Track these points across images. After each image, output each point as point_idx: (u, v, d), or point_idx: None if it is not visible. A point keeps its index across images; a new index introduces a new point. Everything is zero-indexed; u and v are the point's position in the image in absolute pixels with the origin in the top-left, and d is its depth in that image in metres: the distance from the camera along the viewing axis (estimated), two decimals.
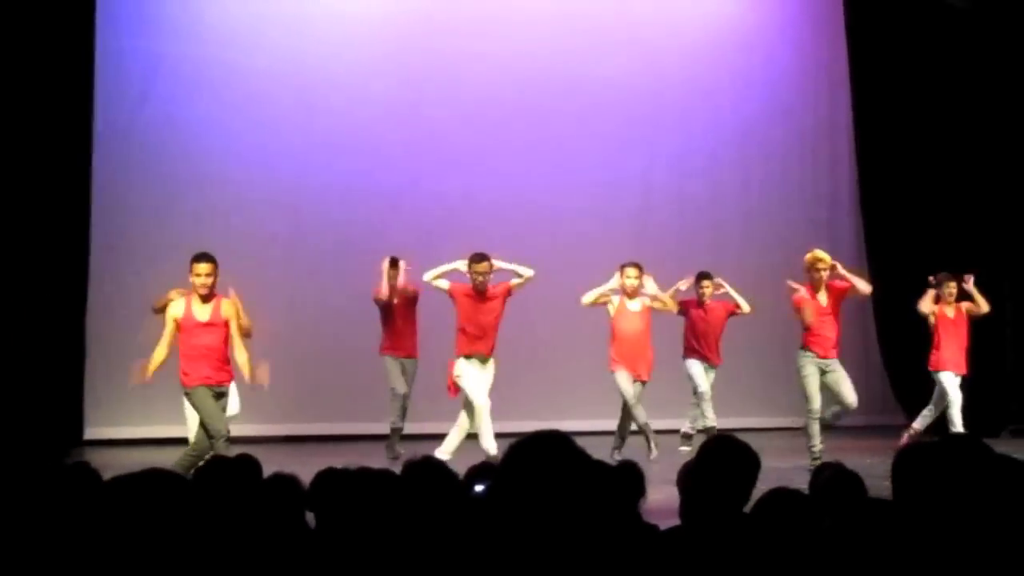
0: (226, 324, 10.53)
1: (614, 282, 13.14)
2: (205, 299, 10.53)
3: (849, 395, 12.36)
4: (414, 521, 4.06)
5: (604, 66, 16.18)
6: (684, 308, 13.82)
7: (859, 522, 3.04)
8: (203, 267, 10.56)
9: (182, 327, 10.50)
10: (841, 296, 12.61)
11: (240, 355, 10.50)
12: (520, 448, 3.25)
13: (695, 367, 13.65)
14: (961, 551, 3.28)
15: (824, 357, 12.42)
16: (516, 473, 3.18)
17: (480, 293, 12.29)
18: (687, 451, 12.78)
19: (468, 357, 12.15)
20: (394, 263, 13.18)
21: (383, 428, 13.50)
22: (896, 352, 16.38)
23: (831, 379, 12.43)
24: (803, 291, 12.55)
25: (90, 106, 14.40)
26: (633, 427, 13.15)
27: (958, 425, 12.72)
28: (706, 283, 13.77)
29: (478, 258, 12.24)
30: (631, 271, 13.10)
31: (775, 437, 13.84)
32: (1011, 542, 3.52)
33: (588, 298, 13.08)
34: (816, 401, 12.32)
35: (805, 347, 12.47)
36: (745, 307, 13.65)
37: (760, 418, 15.42)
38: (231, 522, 4.35)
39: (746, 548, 3.75)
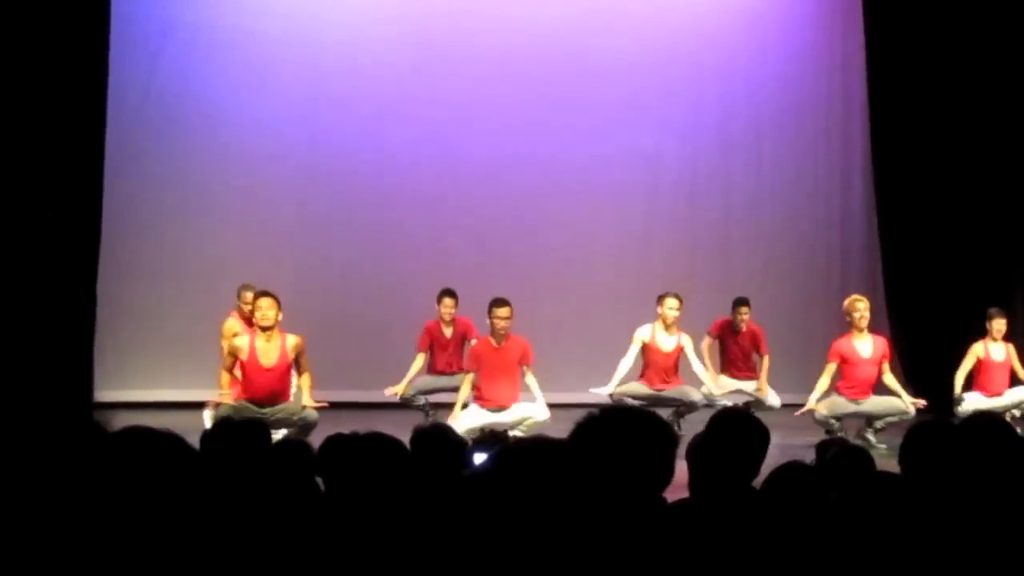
0: (291, 365, 10.56)
1: (631, 355, 12.74)
2: (267, 334, 10.46)
3: (897, 403, 12.21)
4: (421, 487, 4.07)
5: (615, 39, 16.02)
6: (719, 334, 13.79)
7: (866, 495, 3.03)
8: (265, 302, 10.56)
9: (246, 369, 10.45)
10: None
11: (304, 380, 10.67)
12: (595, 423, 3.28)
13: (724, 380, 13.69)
14: (970, 526, 3.28)
15: (855, 399, 12.30)
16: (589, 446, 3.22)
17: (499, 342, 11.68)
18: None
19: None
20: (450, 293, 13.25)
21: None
22: (910, 341, 16.18)
23: (868, 407, 12.32)
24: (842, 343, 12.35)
25: (104, 71, 14.35)
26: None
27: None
28: (744, 310, 13.70)
29: (499, 303, 11.64)
30: (672, 302, 12.74)
31: (783, 414, 13.79)
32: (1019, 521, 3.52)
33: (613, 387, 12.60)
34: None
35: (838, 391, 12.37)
36: (766, 362, 13.63)
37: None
38: (239, 486, 4.36)
39: (754, 521, 3.75)
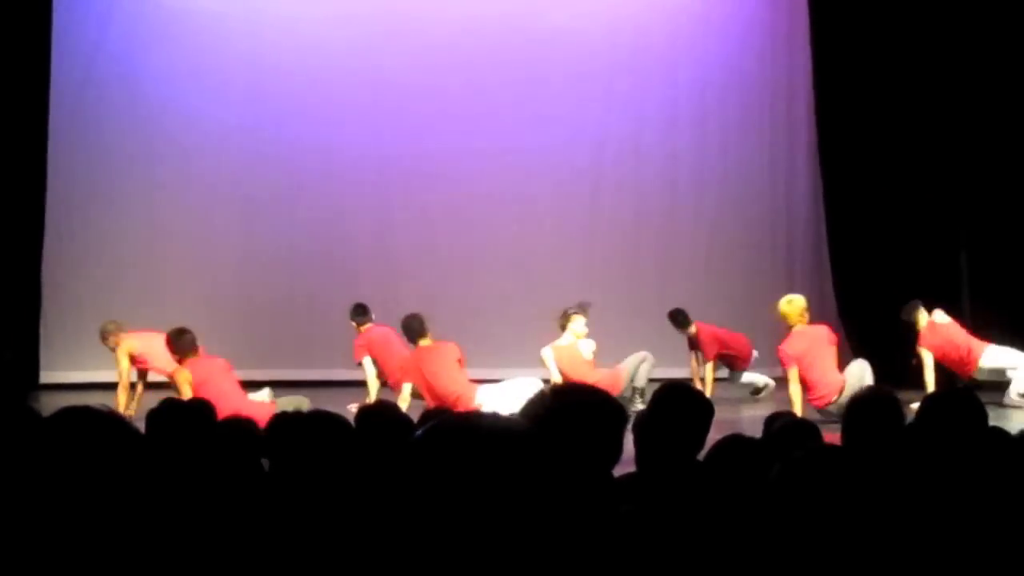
0: None
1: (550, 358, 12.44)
2: None
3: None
4: (366, 465, 4.06)
5: (558, 19, 15.94)
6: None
7: (809, 468, 3.05)
8: None
9: None
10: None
11: None
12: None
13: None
14: (918, 501, 3.31)
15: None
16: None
17: None
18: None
19: None
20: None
21: (339, 374, 13.54)
22: (851, 304, 16.26)
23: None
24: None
25: (47, 57, 14.28)
26: None
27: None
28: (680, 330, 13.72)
29: None
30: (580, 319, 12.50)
31: (734, 388, 13.89)
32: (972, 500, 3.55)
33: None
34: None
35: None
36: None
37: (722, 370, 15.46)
38: (184, 465, 4.34)
39: (699, 493, 3.77)
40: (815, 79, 16.82)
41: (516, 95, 15.84)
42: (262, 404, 10.65)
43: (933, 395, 4.74)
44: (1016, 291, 14.24)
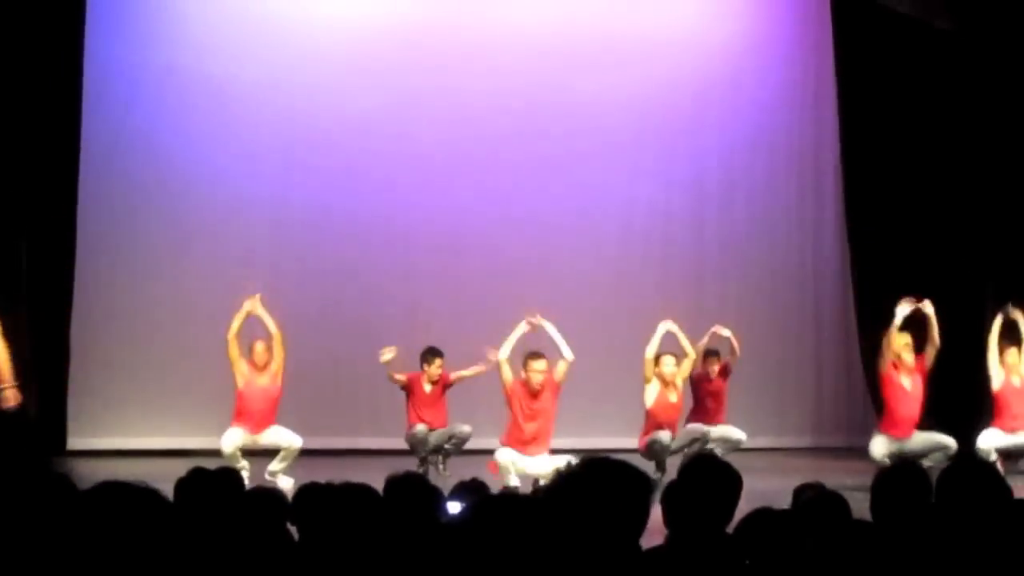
0: None
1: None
2: None
3: (942, 440, 11.99)
4: (394, 536, 4.06)
5: (588, 87, 16.00)
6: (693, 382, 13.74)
7: (842, 543, 3.04)
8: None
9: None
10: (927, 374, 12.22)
11: None
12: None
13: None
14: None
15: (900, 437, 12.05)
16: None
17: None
18: None
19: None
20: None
21: (371, 443, 13.57)
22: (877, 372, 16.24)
23: (913, 445, 12.01)
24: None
25: (77, 115, 14.38)
26: None
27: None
28: (714, 360, 13.62)
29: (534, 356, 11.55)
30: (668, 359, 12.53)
31: (755, 458, 13.80)
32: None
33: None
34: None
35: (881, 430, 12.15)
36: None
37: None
38: (213, 535, 4.34)
39: (729, 567, 3.75)
40: (842, 145, 16.86)
41: (544, 165, 15.86)
42: None
43: (950, 468, 4.70)
44: None
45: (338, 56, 15.55)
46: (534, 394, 11.40)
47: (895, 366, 12.22)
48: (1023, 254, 15.29)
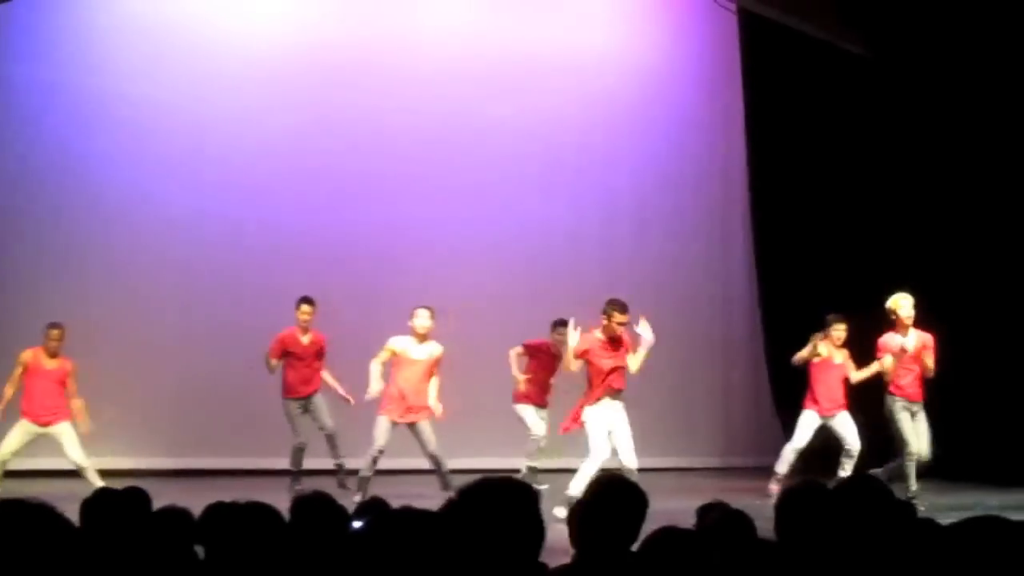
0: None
1: None
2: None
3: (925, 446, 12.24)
4: (301, 555, 4.06)
5: (500, 111, 16.13)
6: (532, 353, 13.89)
7: (746, 561, 3.08)
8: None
9: None
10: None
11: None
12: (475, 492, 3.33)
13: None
14: None
15: (913, 400, 12.36)
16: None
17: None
18: None
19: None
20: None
21: (273, 463, 13.46)
22: (787, 394, 16.44)
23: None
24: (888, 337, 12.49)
25: None
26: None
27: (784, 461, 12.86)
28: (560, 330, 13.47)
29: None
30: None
31: (662, 477, 13.85)
32: None
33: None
34: (913, 444, 12.12)
35: (892, 393, 12.39)
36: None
37: (651, 458, 15.44)
38: (118, 555, 4.31)
39: None
40: (750, 170, 17.09)
41: (457, 187, 16.00)
42: None
43: (844, 481, 4.78)
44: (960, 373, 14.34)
45: (252, 76, 15.58)
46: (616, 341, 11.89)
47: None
48: (927, 281, 15.53)
